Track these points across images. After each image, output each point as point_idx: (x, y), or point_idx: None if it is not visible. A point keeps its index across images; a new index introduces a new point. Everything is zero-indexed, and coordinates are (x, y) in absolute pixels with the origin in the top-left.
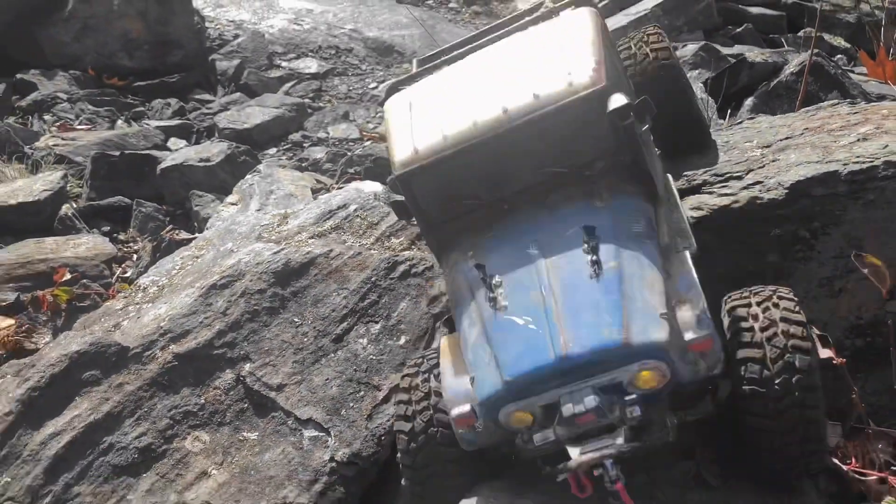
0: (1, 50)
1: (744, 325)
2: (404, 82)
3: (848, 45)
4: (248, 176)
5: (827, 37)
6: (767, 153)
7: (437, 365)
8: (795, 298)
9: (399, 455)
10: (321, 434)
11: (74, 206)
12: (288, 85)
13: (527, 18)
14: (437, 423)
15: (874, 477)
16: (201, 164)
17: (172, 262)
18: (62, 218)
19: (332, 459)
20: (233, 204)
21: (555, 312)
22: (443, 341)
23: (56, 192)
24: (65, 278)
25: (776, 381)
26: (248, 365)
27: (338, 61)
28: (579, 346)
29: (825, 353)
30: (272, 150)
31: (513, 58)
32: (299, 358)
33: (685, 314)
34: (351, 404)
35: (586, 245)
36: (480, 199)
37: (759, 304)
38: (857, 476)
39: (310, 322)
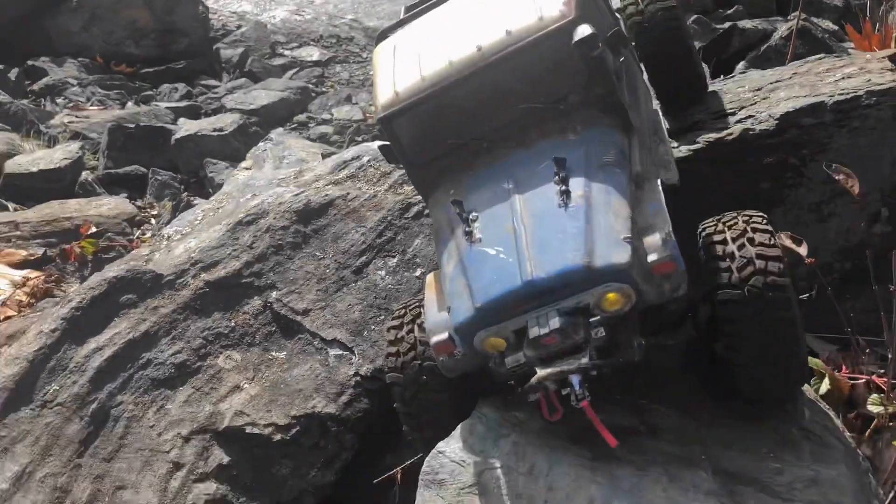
0: (11, 39)
1: (716, 243)
2: (392, 29)
3: (836, 28)
4: (260, 143)
5: (815, 20)
6: (759, 94)
7: (420, 315)
8: (763, 215)
9: (396, 405)
10: (345, 352)
11: (93, 174)
12: (291, 72)
13: None
14: (426, 371)
15: (862, 380)
16: (214, 133)
17: (194, 214)
18: (83, 183)
19: (356, 374)
20: (247, 168)
21: (524, 241)
22: (428, 277)
23: (75, 160)
24: (90, 231)
25: (747, 286)
26: (274, 293)
27: (339, 49)
28: (544, 270)
29: (801, 250)
30: (279, 130)
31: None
32: (322, 287)
33: (650, 238)
34: (372, 326)
35: (557, 176)
36: (460, 139)
37: (727, 225)
38: (846, 379)
39: (331, 256)
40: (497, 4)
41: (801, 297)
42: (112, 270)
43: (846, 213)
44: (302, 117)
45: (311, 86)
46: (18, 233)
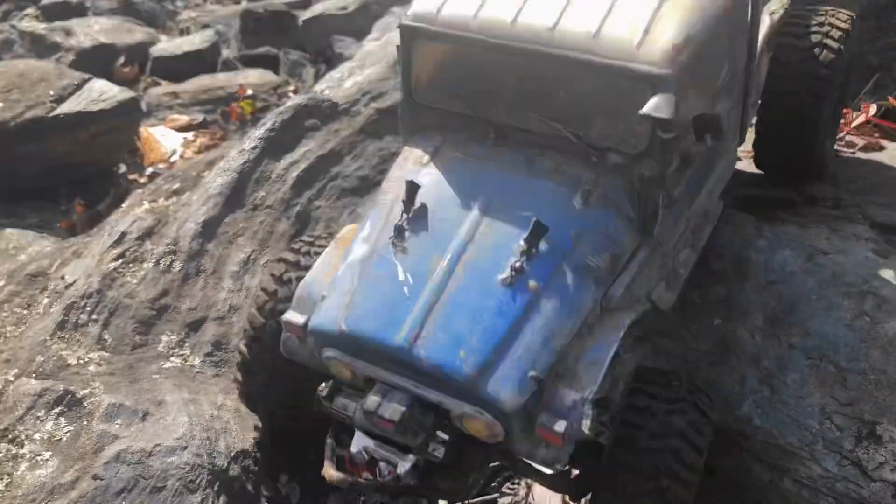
0: None
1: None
2: None
3: None
4: (385, 17)
5: None
6: None
7: (299, 278)
8: None
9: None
10: None
11: (232, 54)
12: None
13: None
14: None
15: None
16: (339, 12)
17: (340, 72)
18: (224, 61)
19: None
20: (375, 40)
21: (435, 297)
22: (345, 230)
23: (212, 43)
24: (247, 94)
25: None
26: None
27: None
28: (427, 351)
29: None
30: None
31: None
32: None
33: (563, 391)
34: None
35: (525, 245)
36: (471, 111)
37: None
38: None
39: None
40: None
41: None
42: (295, 99)
43: None
44: None
45: None
46: (179, 101)
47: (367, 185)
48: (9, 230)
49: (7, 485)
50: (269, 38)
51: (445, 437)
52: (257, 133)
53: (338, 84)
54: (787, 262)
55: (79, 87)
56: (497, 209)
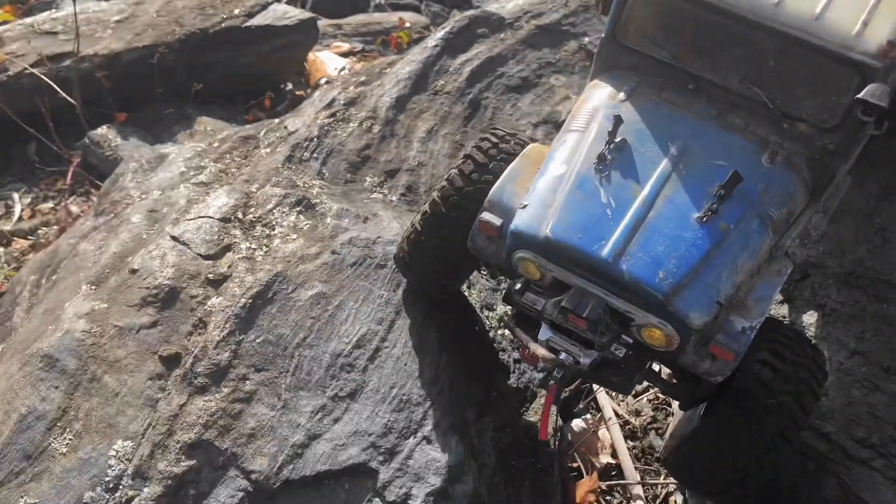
0: None
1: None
2: None
3: None
4: None
5: None
6: None
7: (501, 170)
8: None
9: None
10: None
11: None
12: None
13: None
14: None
15: None
16: None
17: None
18: (377, 5)
19: None
20: None
21: (638, 220)
22: (531, 147)
23: None
24: (405, 25)
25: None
26: (586, 38)
27: None
28: (629, 265)
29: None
30: None
31: None
32: None
33: (734, 317)
34: None
35: (721, 189)
36: (677, 61)
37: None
38: None
39: None
40: None
41: None
42: (469, 11)
43: None
44: None
45: None
46: (342, 31)
47: (528, 85)
48: (203, 117)
49: (266, 252)
50: None
51: (630, 340)
52: (438, 35)
53: (502, 6)
54: None
55: (264, 7)
56: (693, 154)
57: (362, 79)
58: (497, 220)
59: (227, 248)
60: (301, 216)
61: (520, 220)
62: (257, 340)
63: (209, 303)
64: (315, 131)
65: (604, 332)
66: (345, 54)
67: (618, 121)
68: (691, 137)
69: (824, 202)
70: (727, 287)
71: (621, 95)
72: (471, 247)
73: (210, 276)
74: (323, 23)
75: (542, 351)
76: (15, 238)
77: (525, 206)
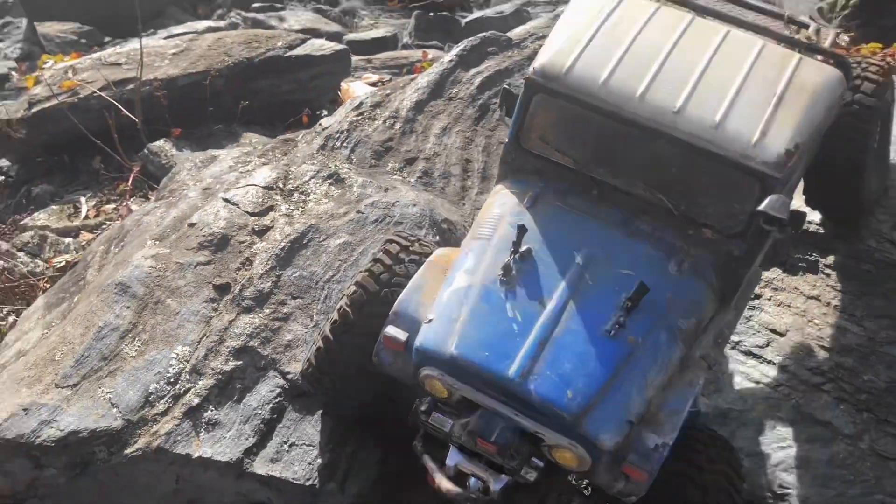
0: None
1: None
2: None
3: None
4: (534, 20)
5: None
6: None
7: (404, 276)
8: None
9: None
10: None
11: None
12: None
13: (782, 30)
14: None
15: None
16: (496, 15)
17: None
18: (405, 45)
19: None
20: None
21: (544, 337)
22: (438, 252)
23: (393, 34)
24: (429, 57)
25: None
26: None
27: None
28: (537, 386)
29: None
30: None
31: (734, 59)
32: None
33: (648, 433)
34: None
35: (628, 301)
36: (580, 167)
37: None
38: None
39: None
40: (733, 74)
41: None
42: (481, 33)
43: None
44: None
45: None
46: (371, 65)
47: None
48: (248, 133)
49: (302, 211)
50: (437, 36)
51: (540, 463)
52: (453, 52)
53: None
54: None
55: (303, 41)
56: (599, 263)
57: (387, 92)
58: (402, 335)
59: (270, 208)
60: (332, 186)
61: (424, 337)
62: (294, 275)
63: (255, 246)
64: (345, 126)
65: (513, 456)
66: (374, 84)
67: (522, 230)
68: (597, 246)
69: (735, 304)
70: (637, 404)
71: (526, 202)
72: (376, 362)
73: (255, 227)
74: (355, 58)
75: (446, 484)
76: (82, 232)
77: (430, 321)
